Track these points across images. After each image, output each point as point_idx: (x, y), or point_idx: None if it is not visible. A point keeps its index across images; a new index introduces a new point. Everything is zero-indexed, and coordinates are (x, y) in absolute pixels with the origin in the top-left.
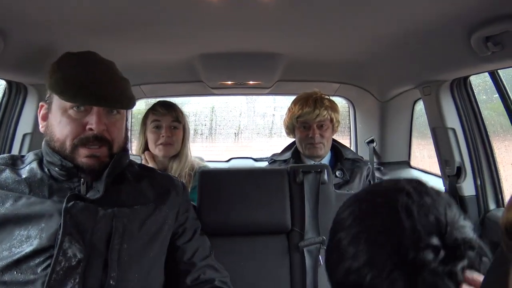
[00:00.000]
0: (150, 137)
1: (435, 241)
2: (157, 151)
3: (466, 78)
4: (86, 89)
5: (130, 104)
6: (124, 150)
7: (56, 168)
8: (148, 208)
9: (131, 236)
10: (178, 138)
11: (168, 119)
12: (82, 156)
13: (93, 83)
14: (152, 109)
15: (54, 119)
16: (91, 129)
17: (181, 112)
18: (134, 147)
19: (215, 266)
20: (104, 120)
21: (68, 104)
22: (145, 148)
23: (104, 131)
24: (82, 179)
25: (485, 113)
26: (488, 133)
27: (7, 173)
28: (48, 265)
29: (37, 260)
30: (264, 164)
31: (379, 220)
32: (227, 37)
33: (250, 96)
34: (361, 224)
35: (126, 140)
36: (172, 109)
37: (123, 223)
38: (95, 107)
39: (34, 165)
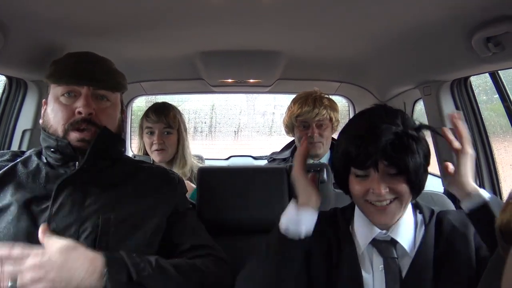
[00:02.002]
0: (146, 141)
1: (398, 121)
2: (153, 156)
3: (466, 79)
4: (73, 71)
5: (117, 87)
6: (119, 137)
7: (52, 150)
8: (139, 201)
9: (116, 231)
10: (171, 143)
11: (160, 126)
12: (74, 140)
13: (79, 66)
14: (146, 115)
15: (49, 108)
16: (79, 113)
17: (174, 116)
18: (134, 145)
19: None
20: (92, 104)
21: (59, 91)
22: (144, 150)
23: (93, 115)
24: (77, 163)
25: (485, 113)
26: (488, 133)
27: (6, 170)
28: None
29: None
30: (263, 162)
31: (361, 119)
32: (228, 35)
33: (250, 94)
34: (349, 125)
35: (120, 129)
36: (163, 115)
37: (110, 220)
38: (83, 92)
39: (33, 155)
